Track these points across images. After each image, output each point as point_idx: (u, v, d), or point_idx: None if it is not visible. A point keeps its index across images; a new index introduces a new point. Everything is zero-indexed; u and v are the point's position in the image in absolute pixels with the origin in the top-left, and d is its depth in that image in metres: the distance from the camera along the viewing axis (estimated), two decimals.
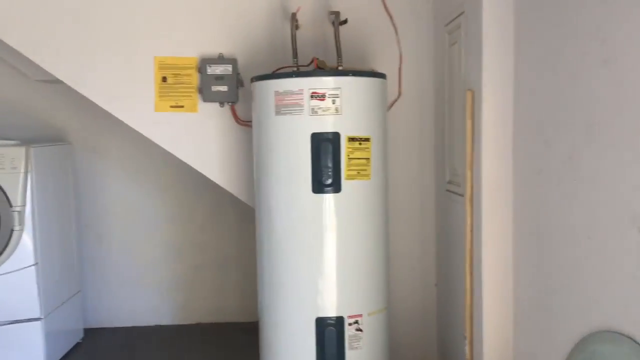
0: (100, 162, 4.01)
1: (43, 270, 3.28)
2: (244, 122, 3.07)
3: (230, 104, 3.08)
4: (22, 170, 3.15)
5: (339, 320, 2.51)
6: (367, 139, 2.53)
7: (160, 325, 4.08)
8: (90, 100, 3.07)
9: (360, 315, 2.54)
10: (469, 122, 2.39)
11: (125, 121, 3.07)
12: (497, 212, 2.29)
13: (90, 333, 3.92)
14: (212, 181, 3.14)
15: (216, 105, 3.08)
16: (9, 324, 3.21)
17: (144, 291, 4.08)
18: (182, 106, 3.09)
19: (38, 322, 3.24)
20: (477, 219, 2.36)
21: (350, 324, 2.51)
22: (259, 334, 2.75)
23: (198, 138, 3.11)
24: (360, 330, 2.53)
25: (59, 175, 3.62)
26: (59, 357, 3.49)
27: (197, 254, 4.09)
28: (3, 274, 3.17)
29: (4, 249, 3.15)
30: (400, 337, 3.10)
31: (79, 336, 3.81)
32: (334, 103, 2.46)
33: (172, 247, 4.08)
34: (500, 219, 2.29)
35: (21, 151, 3.16)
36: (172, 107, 3.08)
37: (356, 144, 2.51)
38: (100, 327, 4.02)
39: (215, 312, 4.08)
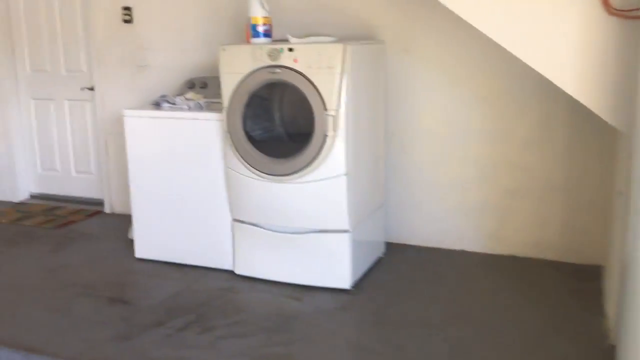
0: (411, 64, 3.57)
1: (354, 181, 3.04)
2: (619, 12, 2.26)
3: None
4: (339, 70, 2.85)
5: None
6: None
7: (465, 251, 3.65)
8: None
9: None
10: None
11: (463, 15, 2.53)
12: None
13: (392, 248, 3.68)
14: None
15: None
16: (317, 232, 3.08)
17: (449, 212, 3.65)
18: None
19: (346, 235, 3.05)
20: None
21: None
22: (618, 309, 2.08)
23: (548, 32, 2.42)
24: None
25: (373, 77, 3.29)
26: (363, 271, 3.31)
27: (514, 177, 3.47)
28: (314, 181, 3.00)
29: (316, 155, 2.96)
30: None
31: (380, 250, 3.59)
32: None
33: (484, 166, 3.53)
34: None
35: (338, 49, 2.85)
36: None
37: None
38: (401, 242, 3.76)
39: (532, 245, 3.48)
